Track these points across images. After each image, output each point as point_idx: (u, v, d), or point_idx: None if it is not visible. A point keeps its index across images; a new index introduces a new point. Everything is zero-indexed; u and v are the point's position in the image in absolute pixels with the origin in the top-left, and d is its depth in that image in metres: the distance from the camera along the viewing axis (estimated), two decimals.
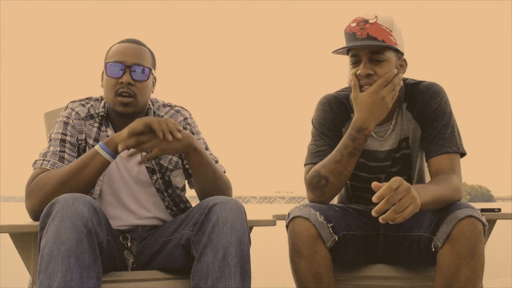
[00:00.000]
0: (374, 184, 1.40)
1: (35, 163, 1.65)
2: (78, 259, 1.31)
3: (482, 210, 1.89)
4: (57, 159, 1.65)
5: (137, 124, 1.52)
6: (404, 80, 1.80)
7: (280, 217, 1.79)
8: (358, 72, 1.65)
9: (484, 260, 1.51)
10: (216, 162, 1.82)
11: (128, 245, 1.67)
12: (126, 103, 1.68)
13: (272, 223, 1.77)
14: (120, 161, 1.76)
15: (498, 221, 1.86)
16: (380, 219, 1.39)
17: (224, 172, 1.81)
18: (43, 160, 1.64)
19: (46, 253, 1.31)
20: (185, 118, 1.86)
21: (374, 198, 1.38)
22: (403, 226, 1.73)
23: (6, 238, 1.62)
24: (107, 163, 1.57)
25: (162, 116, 1.82)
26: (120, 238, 1.68)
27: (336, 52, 1.70)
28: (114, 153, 1.57)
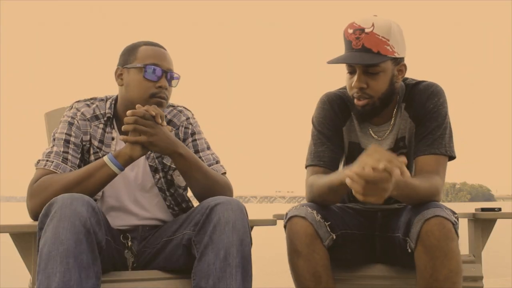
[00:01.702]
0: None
1: (38, 162, 1.65)
2: (77, 259, 1.31)
3: (483, 209, 1.90)
4: (60, 160, 1.65)
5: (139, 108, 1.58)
6: (405, 80, 1.80)
7: (281, 217, 1.79)
8: (352, 84, 1.67)
9: (460, 258, 1.51)
10: (217, 162, 1.81)
11: (129, 244, 1.67)
12: (161, 103, 1.70)
13: (272, 222, 1.77)
14: None
15: (498, 220, 1.86)
16: (347, 181, 1.38)
17: (225, 173, 1.81)
18: (47, 160, 1.64)
19: (45, 253, 1.31)
20: (187, 118, 1.86)
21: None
22: (390, 227, 1.73)
23: (6, 238, 1.62)
24: (114, 175, 1.59)
25: (166, 116, 1.84)
26: (121, 238, 1.68)
27: (331, 62, 1.68)
28: (123, 166, 1.59)
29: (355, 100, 1.70)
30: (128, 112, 1.56)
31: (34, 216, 1.57)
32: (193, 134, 1.84)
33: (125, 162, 1.59)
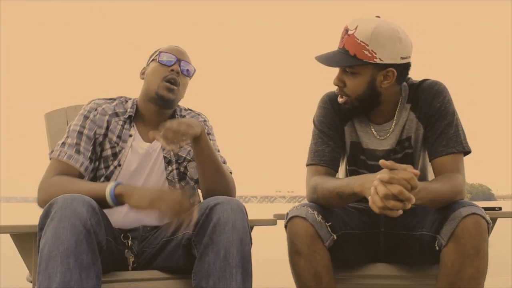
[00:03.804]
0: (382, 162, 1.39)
1: (51, 152, 1.73)
2: (77, 259, 1.31)
3: (483, 208, 1.90)
4: (73, 151, 1.71)
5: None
6: (407, 80, 1.79)
7: (281, 217, 1.79)
8: (333, 81, 1.72)
9: (488, 259, 1.50)
10: (225, 163, 1.87)
11: (129, 244, 1.68)
12: (171, 89, 1.80)
13: (272, 222, 1.77)
14: (138, 163, 1.80)
15: (498, 220, 1.86)
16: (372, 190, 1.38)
17: (231, 173, 1.85)
18: (60, 151, 1.71)
19: (45, 253, 1.31)
20: (204, 121, 1.98)
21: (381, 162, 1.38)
22: (405, 225, 1.73)
23: (7, 238, 1.63)
24: (110, 207, 1.55)
25: (185, 117, 1.93)
26: (121, 238, 1.68)
27: (316, 58, 1.71)
28: (121, 204, 1.53)
29: (338, 97, 1.76)
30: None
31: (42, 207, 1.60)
32: (208, 134, 1.90)
33: (121, 202, 1.52)
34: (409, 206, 1.35)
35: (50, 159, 1.73)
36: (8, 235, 1.57)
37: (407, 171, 1.36)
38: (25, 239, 1.57)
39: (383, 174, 1.37)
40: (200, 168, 1.74)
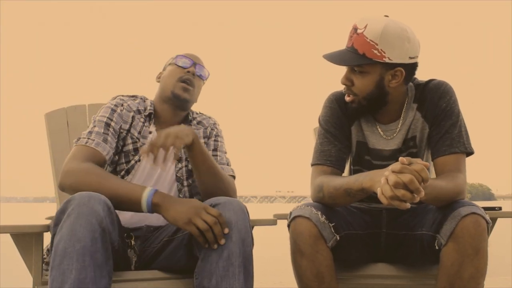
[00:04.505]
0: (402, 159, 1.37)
1: (78, 140, 1.71)
2: (92, 258, 1.31)
3: (483, 208, 1.90)
4: (101, 139, 1.72)
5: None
6: (413, 80, 1.79)
7: (281, 217, 1.79)
8: (340, 80, 1.71)
9: (487, 258, 1.50)
10: (228, 164, 1.89)
11: (132, 244, 1.68)
12: (186, 89, 1.87)
13: (273, 222, 1.77)
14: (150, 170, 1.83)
15: (498, 220, 1.86)
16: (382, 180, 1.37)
17: (234, 177, 1.86)
18: (88, 138, 1.70)
19: (60, 249, 1.31)
20: (214, 123, 2.02)
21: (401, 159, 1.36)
22: (405, 225, 1.73)
23: (7, 238, 1.63)
24: (141, 211, 1.54)
25: (196, 118, 1.99)
26: (125, 237, 1.68)
27: (323, 56, 1.70)
28: (153, 212, 1.53)
29: (345, 96, 1.75)
30: None
31: (64, 190, 1.59)
32: (216, 136, 1.96)
33: (156, 211, 1.52)
34: (417, 199, 1.35)
35: (75, 146, 1.70)
36: (8, 235, 1.57)
37: (418, 163, 1.37)
38: (25, 239, 1.57)
39: (394, 165, 1.37)
40: (196, 173, 1.72)
